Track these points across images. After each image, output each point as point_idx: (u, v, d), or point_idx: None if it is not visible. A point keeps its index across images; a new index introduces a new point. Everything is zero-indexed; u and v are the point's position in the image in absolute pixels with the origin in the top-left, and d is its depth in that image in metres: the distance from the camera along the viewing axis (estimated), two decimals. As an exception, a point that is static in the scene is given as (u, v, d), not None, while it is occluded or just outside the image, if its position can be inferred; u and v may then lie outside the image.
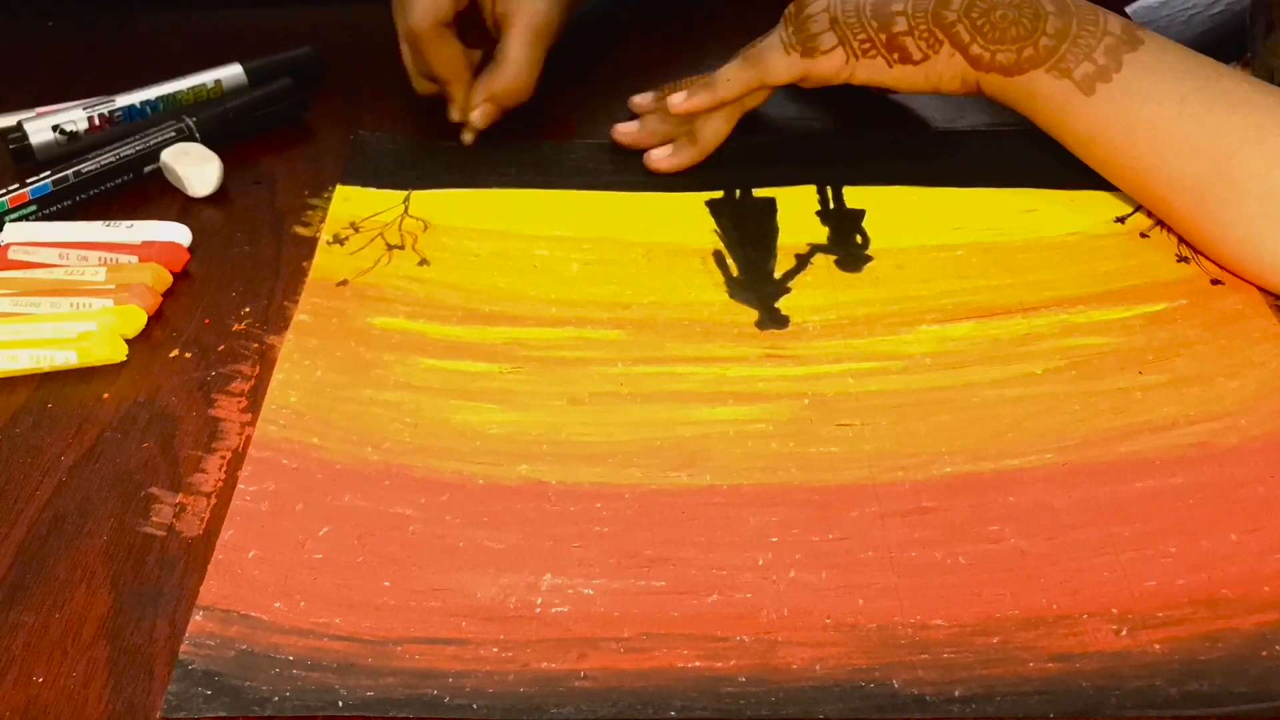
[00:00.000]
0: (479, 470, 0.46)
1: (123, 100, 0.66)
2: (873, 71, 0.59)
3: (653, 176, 0.62)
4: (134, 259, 0.56)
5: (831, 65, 0.59)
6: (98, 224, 0.59)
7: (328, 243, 0.58)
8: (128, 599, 0.42)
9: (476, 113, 0.64)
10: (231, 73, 0.68)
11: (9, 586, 0.42)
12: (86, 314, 0.52)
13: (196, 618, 0.41)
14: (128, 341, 0.52)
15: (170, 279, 0.56)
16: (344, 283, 0.55)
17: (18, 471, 0.47)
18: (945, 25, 0.57)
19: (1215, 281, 0.55)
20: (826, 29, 0.59)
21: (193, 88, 0.66)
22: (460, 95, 0.65)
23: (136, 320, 0.53)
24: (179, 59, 0.70)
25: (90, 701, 0.39)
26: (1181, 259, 0.56)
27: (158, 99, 0.66)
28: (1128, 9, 0.84)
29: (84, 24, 0.80)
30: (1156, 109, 0.54)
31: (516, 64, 0.63)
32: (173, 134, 0.63)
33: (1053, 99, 0.56)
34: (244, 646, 0.40)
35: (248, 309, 0.54)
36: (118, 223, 0.59)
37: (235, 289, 0.56)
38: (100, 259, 0.56)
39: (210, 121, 0.65)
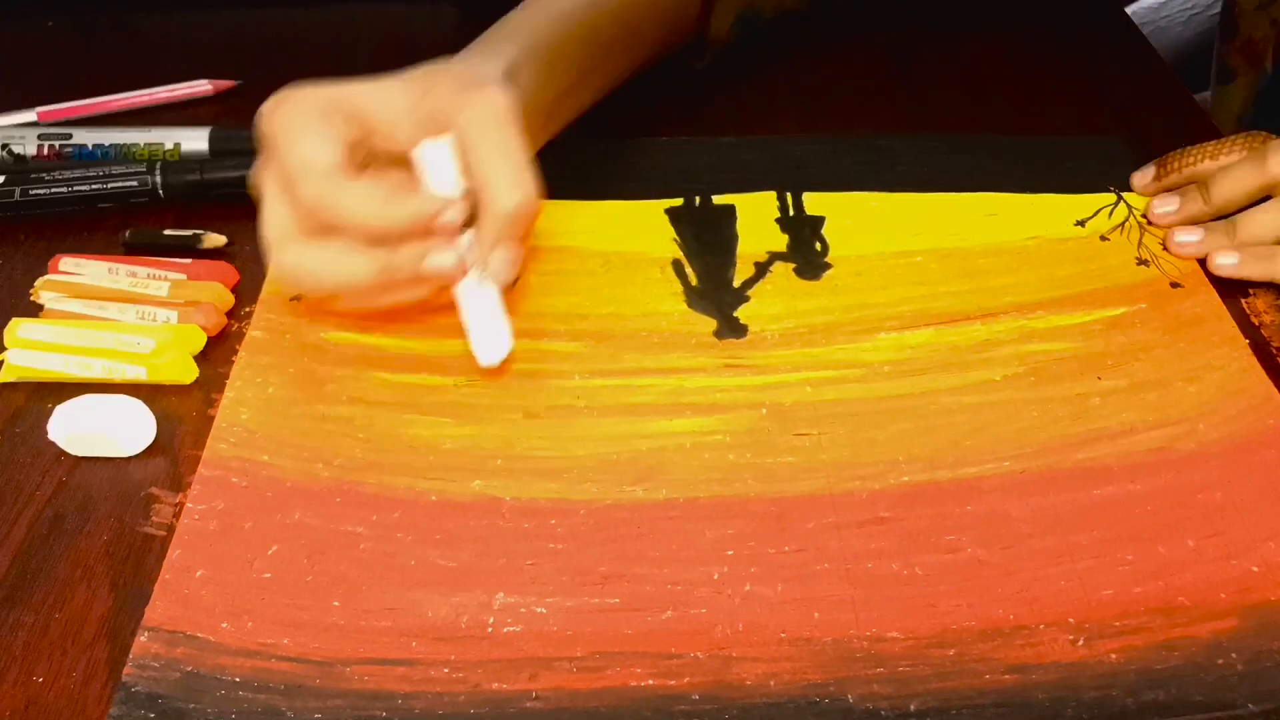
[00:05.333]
0: (431, 486, 0.45)
1: (80, 137, 0.65)
2: None
3: (610, 184, 0.62)
4: (183, 276, 0.55)
5: None
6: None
7: (282, 256, 0.57)
8: (128, 599, 0.42)
9: (497, 263, 0.47)
10: (194, 137, 0.65)
11: (9, 586, 0.42)
12: (150, 328, 0.51)
13: (141, 639, 0.40)
14: None
15: (232, 299, 0.54)
16: (298, 298, 0.54)
17: (18, 471, 0.47)
18: None
19: (1175, 284, 0.55)
20: None
21: (149, 144, 0.64)
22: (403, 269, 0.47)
23: (196, 341, 0.51)
24: (179, 59, 0.70)
25: (90, 701, 0.38)
26: (1141, 262, 0.56)
27: (110, 145, 0.64)
28: (1128, 9, 0.84)
29: (84, 24, 0.80)
30: None
31: (509, 173, 0.46)
32: (134, 184, 0.60)
33: None
34: (189, 668, 0.39)
35: (247, 309, 0.54)
36: None
37: (235, 289, 0.55)
38: (149, 274, 0.54)
39: (180, 187, 0.61)
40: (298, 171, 0.45)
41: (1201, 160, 0.59)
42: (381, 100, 0.47)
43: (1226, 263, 0.55)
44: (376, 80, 0.48)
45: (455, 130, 0.47)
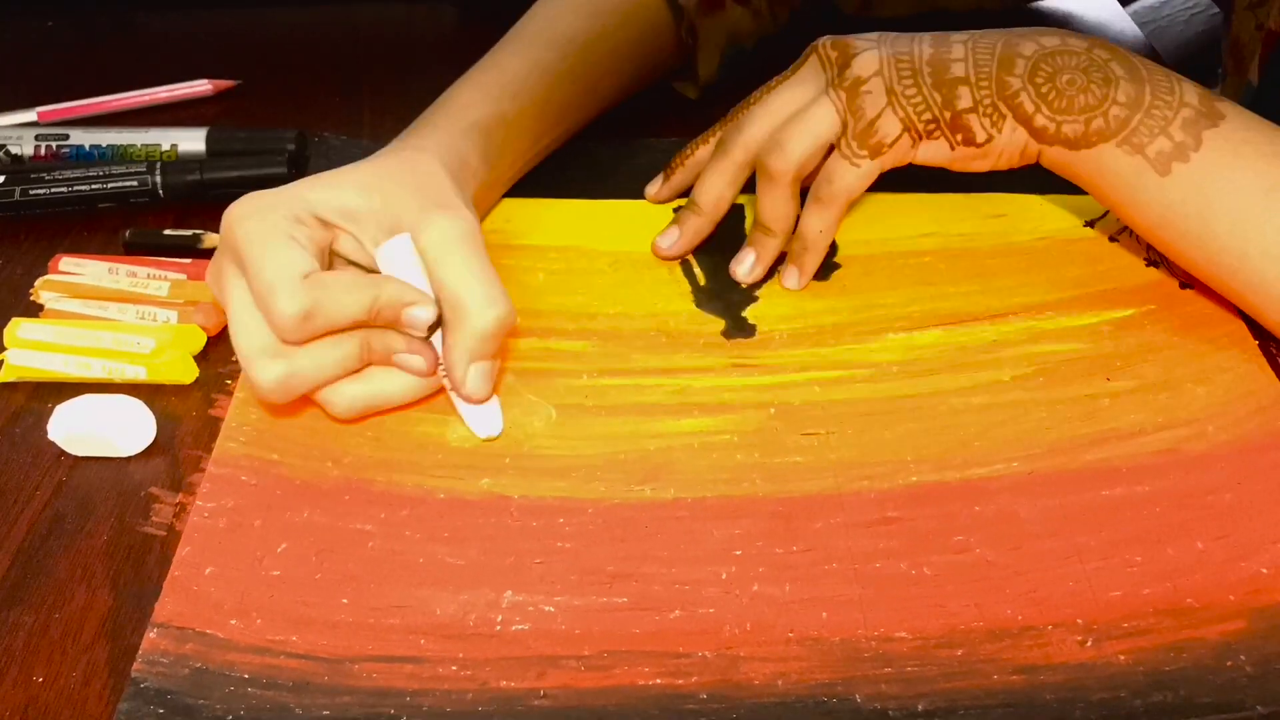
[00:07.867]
0: (440, 484, 0.46)
1: (77, 138, 0.65)
2: (932, 154, 0.52)
3: (619, 184, 0.62)
4: (183, 276, 0.55)
5: (895, 157, 0.52)
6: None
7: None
8: (128, 599, 0.42)
9: (474, 379, 0.46)
10: (191, 138, 0.65)
11: (9, 586, 0.42)
12: (150, 328, 0.51)
13: (151, 635, 0.40)
14: None
15: None
16: None
17: (18, 471, 0.47)
18: (1009, 96, 0.50)
19: (1185, 285, 0.55)
20: (884, 106, 0.51)
21: (146, 145, 0.65)
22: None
23: (196, 341, 0.51)
24: (179, 59, 0.70)
25: (90, 701, 0.39)
26: (1151, 263, 0.56)
27: (108, 146, 0.65)
28: (1127, 9, 0.84)
29: (84, 24, 0.80)
30: (1239, 199, 0.47)
31: (482, 291, 0.45)
32: (134, 184, 0.61)
33: (1121, 177, 0.50)
34: (198, 664, 0.39)
35: None
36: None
37: None
38: (149, 274, 0.55)
39: (180, 187, 0.61)
40: (275, 287, 0.43)
41: (695, 150, 0.59)
42: (343, 206, 0.46)
43: (790, 284, 0.55)
44: (333, 183, 0.47)
45: (420, 249, 0.46)
